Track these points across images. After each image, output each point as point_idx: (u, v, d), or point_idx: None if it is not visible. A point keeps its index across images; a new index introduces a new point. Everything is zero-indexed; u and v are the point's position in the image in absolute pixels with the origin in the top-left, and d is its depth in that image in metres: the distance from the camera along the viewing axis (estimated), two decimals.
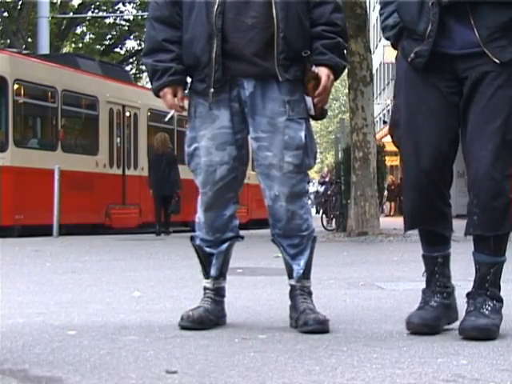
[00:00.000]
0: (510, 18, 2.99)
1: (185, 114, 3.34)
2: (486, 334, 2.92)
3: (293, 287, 3.37)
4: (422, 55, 3.05)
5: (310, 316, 3.17)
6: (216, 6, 3.13)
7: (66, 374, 2.34)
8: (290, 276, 3.38)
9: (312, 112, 3.22)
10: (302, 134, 3.20)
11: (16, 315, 3.54)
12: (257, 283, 5.15)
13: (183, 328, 3.16)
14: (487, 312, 3.00)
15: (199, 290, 4.75)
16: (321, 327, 3.11)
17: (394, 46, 3.26)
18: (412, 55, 3.07)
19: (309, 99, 3.19)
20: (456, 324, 3.24)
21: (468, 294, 3.11)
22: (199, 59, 3.18)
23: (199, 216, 3.42)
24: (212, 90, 3.17)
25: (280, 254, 3.48)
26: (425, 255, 3.23)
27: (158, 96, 3.30)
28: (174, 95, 3.23)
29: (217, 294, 3.38)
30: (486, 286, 3.05)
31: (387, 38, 3.29)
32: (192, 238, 3.44)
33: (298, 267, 3.37)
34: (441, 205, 3.16)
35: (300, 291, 3.34)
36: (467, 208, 3.07)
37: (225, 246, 3.37)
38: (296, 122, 3.19)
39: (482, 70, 3.01)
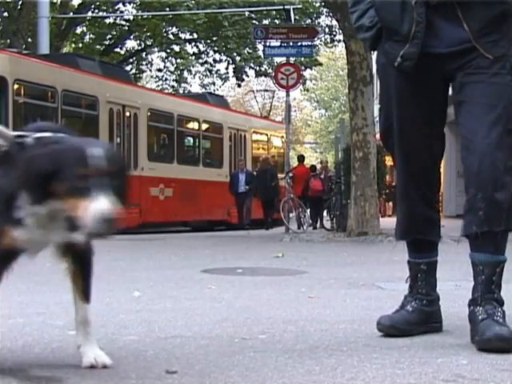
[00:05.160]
0: (502, 11, 2.87)
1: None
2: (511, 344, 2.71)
3: None
4: (410, 58, 2.93)
5: None
6: None
7: (65, 374, 2.34)
8: None
9: None
10: None
11: (16, 315, 3.54)
12: (257, 283, 5.15)
13: None
14: (501, 320, 2.82)
15: (199, 290, 4.76)
16: None
17: (372, 48, 3.15)
18: (399, 59, 2.94)
19: None
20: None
21: (473, 300, 2.90)
22: None
23: None
24: None
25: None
26: (409, 261, 3.19)
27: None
28: None
29: None
30: (493, 288, 2.87)
31: (363, 40, 3.17)
32: None
33: None
34: (429, 212, 3.12)
35: None
36: (466, 206, 2.90)
37: None
38: None
39: (471, 66, 2.89)
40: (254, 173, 20.26)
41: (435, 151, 3.10)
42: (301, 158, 21.65)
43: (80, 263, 2.47)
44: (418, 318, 3.08)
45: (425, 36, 2.90)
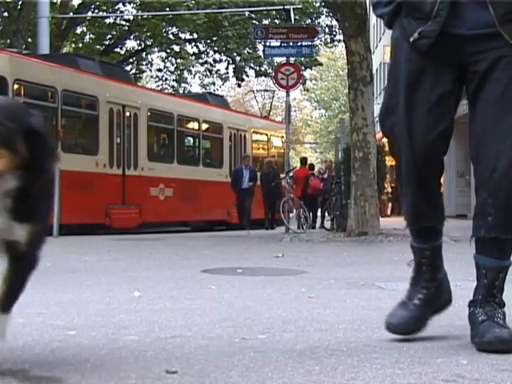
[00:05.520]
0: None
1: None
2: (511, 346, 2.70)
3: None
4: (428, 36, 2.76)
5: None
6: None
7: (65, 374, 2.34)
8: None
9: None
10: None
11: (16, 315, 3.53)
12: (257, 283, 5.15)
13: None
14: (501, 321, 2.80)
15: (199, 290, 4.76)
16: None
17: (388, 26, 2.95)
18: (416, 35, 2.77)
19: None
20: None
21: (473, 302, 2.88)
22: None
23: None
24: None
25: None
26: (413, 245, 3.05)
27: None
28: None
29: None
30: (494, 292, 2.84)
31: (380, 16, 2.99)
32: None
33: None
34: (433, 198, 2.96)
35: None
36: (477, 208, 2.81)
37: None
38: None
39: (494, 55, 2.73)
40: (258, 173, 20.37)
41: (441, 140, 2.86)
42: (303, 161, 21.94)
43: (13, 265, 2.28)
44: (425, 311, 2.99)
45: (447, 15, 2.73)
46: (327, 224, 18.34)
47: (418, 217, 2.98)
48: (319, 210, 20.32)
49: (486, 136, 2.76)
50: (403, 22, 2.85)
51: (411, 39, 2.80)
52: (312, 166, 22.48)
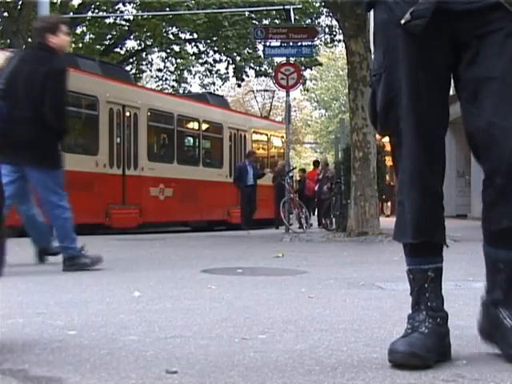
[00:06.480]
0: None
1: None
2: None
3: None
4: (422, 15, 2.42)
5: None
6: None
7: (65, 374, 2.34)
8: None
9: None
10: None
11: (16, 315, 3.54)
12: (257, 283, 5.15)
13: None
14: None
15: (199, 290, 4.76)
16: None
17: (368, 9, 2.67)
18: (407, 16, 2.43)
19: None
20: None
21: (494, 303, 2.57)
22: None
23: None
24: None
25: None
26: (411, 269, 2.63)
27: None
28: None
29: None
30: None
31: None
32: None
33: None
34: (439, 208, 2.59)
35: None
36: (491, 197, 2.48)
37: None
38: None
39: (492, 27, 2.44)
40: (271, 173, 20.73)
41: (445, 126, 2.59)
42: (316, 163, 22.76)
43: None
44: (437, 343, 2.51)
45: None
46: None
47: (425, 227, 2.55)
48: (316, 211, 20.76)
49: (496, 114, 2.44)
50: (389, 3, 2.51)
51: (402, 21, 2.45)
52: (304, 170, 23.06)
